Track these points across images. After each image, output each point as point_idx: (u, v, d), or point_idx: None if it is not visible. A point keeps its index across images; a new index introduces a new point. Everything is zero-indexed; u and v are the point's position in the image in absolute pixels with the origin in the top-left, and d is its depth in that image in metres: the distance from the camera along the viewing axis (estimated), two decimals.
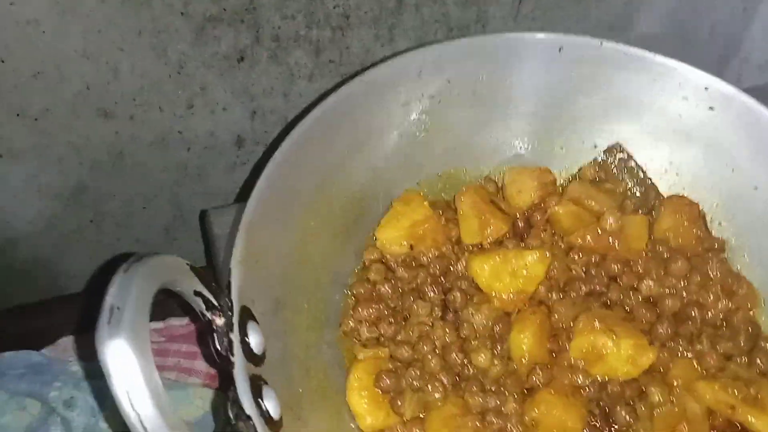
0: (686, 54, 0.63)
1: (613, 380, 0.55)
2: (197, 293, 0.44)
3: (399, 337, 0.56)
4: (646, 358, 0.54)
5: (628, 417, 0.53)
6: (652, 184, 0.66)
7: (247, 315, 0.45)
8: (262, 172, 0.51)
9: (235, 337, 0.43)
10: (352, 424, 0.54)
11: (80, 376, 0.60)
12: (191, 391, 0.61)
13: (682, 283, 0.59)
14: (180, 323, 0.67)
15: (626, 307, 0.58)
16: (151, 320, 0.38)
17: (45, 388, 0.59)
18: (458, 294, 0.58)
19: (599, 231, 0.60)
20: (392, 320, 0.57)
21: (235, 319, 0.44)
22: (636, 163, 0.66)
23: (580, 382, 0.55)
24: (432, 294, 0.58)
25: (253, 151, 0.77)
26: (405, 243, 0.60)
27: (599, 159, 0.67)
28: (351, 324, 0.57)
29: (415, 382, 0.54)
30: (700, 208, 0.63)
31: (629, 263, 0.60)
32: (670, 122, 0.64)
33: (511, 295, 0.58)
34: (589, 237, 0.60)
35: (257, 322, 0.46)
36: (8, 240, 0.74)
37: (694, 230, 0.62)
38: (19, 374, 0.60)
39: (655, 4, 0.82)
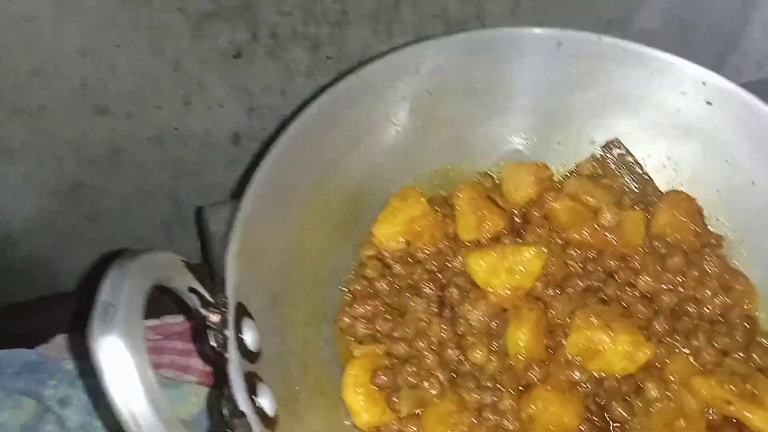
0: (685, 49, 0.63)
1: (609, 376, 0.55)
2: (192, 290, 0.44)
3: (395, 334, 0.56)
4: (643, 354, 0.54)
5: (624, 413, 0.53)
6: (650, 179, 0.65)
7: (242, 312, 0.45)
8: (258, 168, 0.51)
9: (230, 333, 0.43)
10: (347, 421, 0.53)
11: (75, 375, 0.61)
12: (186, 389, 0.61)
13: (679, 278, 0.59)
14: (175, 321, 0.67)
15: (623, 303, 0.58)
16: (146, 318, 0.38)
17: (40, 387, 0.59)
18: (455, 290, 0.57)
19: (596, 227, 0.60)
20: (389, 316, 0.57)
21: (230, 316, 0.44)
22: (634, 159, 0.66)
23: (576, 378, 0.55)
24: (428, 290, 0.58)
25: (250, 148, 0.77)
26: (402, 239, 0.60)
27: (597, 154, 0.66)
28: (347, 320, 0.57)
29: (411, 379, 0.54)
30: (698, 203, 0.63)
31: (626, 259, 0.60)
32: (669, 117, 0.64)
33: (507, 291, 0.58)
34: (586, 233, 0.60)
35: (253, 319, 0.46)
36: (6, 237, 0.74)
37: (692, 226, 0.62)
38: (14, 372, 0.60)
39: (654, 0, 0.82)
